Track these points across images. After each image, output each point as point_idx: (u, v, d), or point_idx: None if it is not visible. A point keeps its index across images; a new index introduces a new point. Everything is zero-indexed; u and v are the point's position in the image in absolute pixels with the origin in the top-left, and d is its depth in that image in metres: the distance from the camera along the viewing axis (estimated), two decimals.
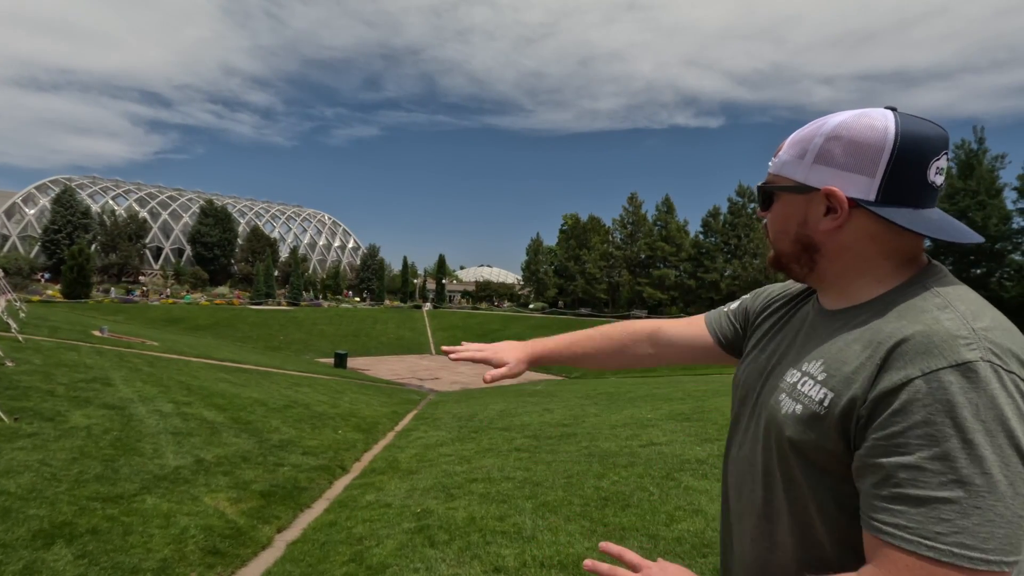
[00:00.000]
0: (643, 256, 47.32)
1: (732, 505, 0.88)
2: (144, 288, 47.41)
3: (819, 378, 0.73)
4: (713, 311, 1.13)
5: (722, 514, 0.93)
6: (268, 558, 3.85)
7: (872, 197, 0.73)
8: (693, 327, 1.12)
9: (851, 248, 0.77)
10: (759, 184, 0.87)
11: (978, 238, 0.75)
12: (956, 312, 0.67)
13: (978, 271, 30.86)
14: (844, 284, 0.79)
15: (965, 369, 0.61)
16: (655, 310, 44.58)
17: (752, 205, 42.82)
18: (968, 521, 0.58)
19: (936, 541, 0.58)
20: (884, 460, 0.62)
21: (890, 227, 0.73)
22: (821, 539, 0.72)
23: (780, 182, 0.82)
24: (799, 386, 0.75)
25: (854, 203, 0.74)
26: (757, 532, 0.80)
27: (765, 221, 0.88)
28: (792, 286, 0.99)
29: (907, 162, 0.72)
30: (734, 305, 1.08)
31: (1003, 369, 0.61)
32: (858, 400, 0.67)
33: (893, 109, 0.76)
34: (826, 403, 0.70)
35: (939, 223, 0.74)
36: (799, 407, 0.73)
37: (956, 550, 0.57)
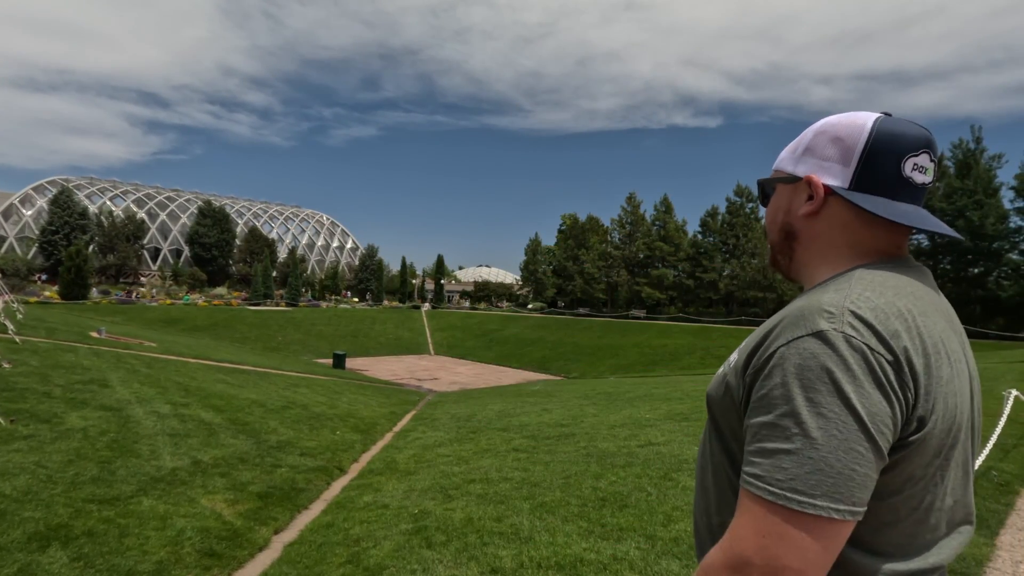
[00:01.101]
0: (641, 256, 47.25)
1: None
2: (131, 289, 46.98)
3: (741, 346, 0.81)
4: None
5: None
6: (265, 560, 3.83)
7: (846, 184, 0.79)
8: None
9: (822, 235, 0.83)
10: (768, 177, 0.93)
11: (953, 233, 0.78)
12: (846, 292, 0.72)
13: (976, 270, 30.86)
14: (810, 272, 0.85)
15: (819, 336, 0.67)
16: (654, 310, 44.55)
17: (751, 205, 42.78)
18: (802, 470, 0.64)
19: (775, 487, 0.65)
20: (753, 420, 0.70)
21: (861, 217, 0.79)
22: (724, 483, 0.81)
23: (776, 176, 0.90)
24: (729, 356, 0.85)
25: (830, 190, 0.80)
26: (698, 479, 0.91)
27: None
28: None
29: (880, 153, 0.77)
30: None
31: (855, 339, 0.67)
32: (745, 369, 0.74)
33: (887, 115, 0.80)
34: (731, 364, 0.80)
35: (911, 214, 0.77)
36: (721, 370, 0.84)
37: (789, 494, 0.64)
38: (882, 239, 0.79)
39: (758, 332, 0.77)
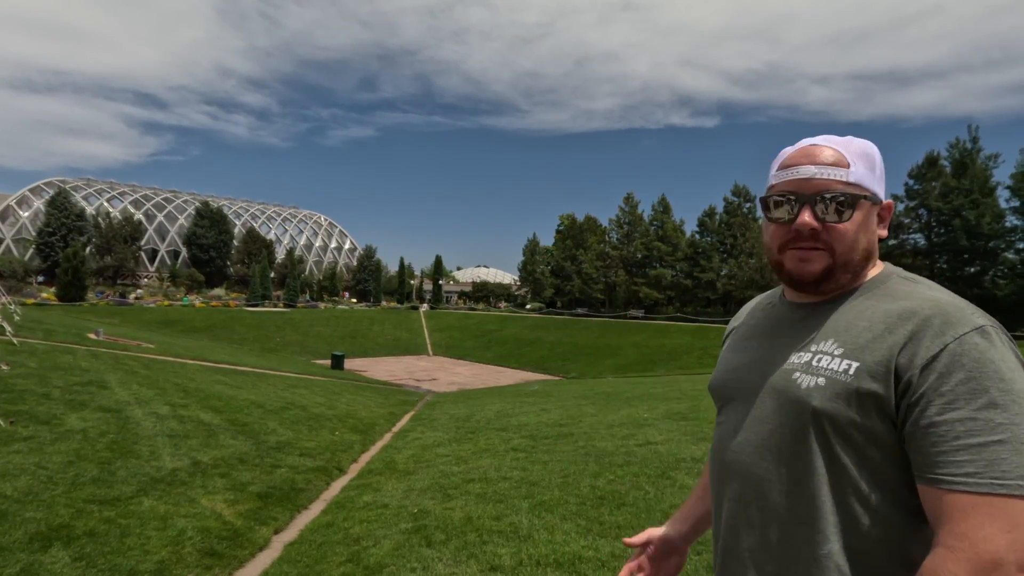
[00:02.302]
0: (639, 256, 47.36)
1: (739, 495, 0.86)
2: (124, 290, 46.62)
3: (836, 352, 0.79)
4: None
5: (721, 511, 0.91)
6: (265, 559, 3.85)
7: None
8: None
9: (877, 252, 0.89)
10: (849, 191, 0.83)
11: None
12: (943, 291, 0.79)
13: (972, 269, 31.00)
14: (850, 284, 0.87)
15: (982, 331, 0.72)
16: (652, 309, 44.62)
17: (748, 205, 42.78)
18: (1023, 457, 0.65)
19: (1004, 479, 0.65)
20: (940, 419, 0.69)
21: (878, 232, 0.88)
22: (851, 499, 0.75)
23: (862, 192, 0.84)
24: (814, 363, 0.80)
25: None
26: (782, 510, 0.79)
27: (800, 228, 0.84)
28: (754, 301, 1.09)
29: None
30: None
31: (998, 330, 0.73)
32: (895, 370, 0.73)
33: None
34: (851, 372, 0.76)
35: None
36: (820, 379, 0.78)
37: (1022, 482, 0.64)
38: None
39: (888, 332, 0.76)
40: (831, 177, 0.82)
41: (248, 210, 73.64)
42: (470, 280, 78.06)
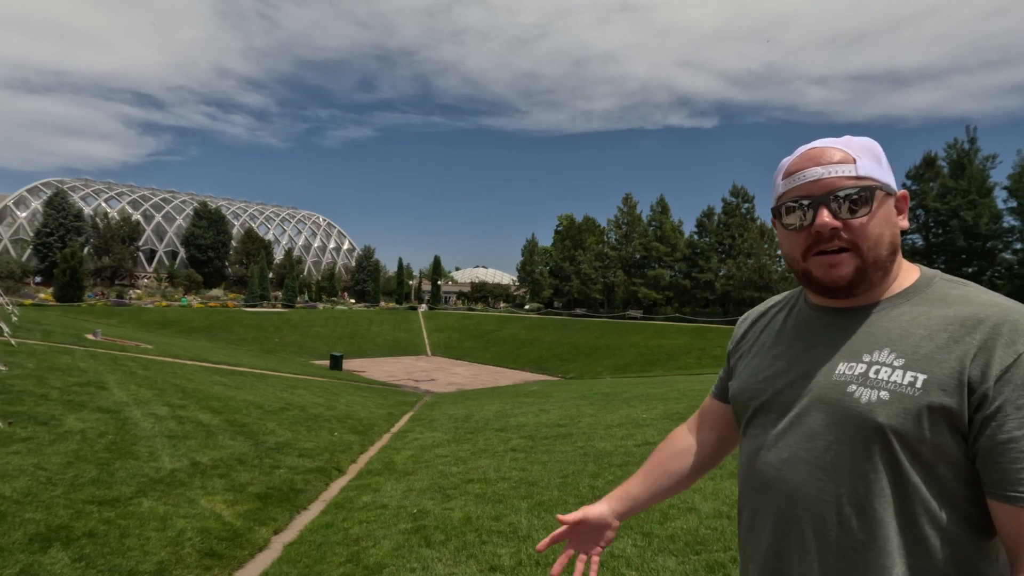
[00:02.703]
0: (638, 256, 47.38)
1: (786, 515, 0.81)
2: (121, 291, 46.35)
3: (896, 364, 0.74)
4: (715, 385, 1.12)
5: (761, 529, 0.85)
6: (265, 560, 3.86)
7: None
8: (707, 407, 1.12)
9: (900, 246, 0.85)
10: (861, 184, 0.80)
11: None
12: (997, 295, 0.75)
13: (970, 270, 31.05)
14: (885, 284, 0.83)
15: None
16: (650, 310, 44.67)
17: (746, 205, 42.87)
18: None
19: None
20: (1020, 433, 0.66)
21: None
22: (923, 521, 0.72)
23: (877, 184, 0.81)
24: (871, 374, 0.75)
25: None
26: (842, 533, 0.75)
27: (821, 229, 0.80)
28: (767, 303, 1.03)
29: None
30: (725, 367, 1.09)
31: None
32: (968, 382, 0.69)
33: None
34: (919, 384, 0.71)
35: None
36: (883, 393, 0.73)
37: None
38: None
39: (953, 341, 0.72)
40: (840, 174, 0.79)
41: (246, 210, 73.59)
42: (469, 280, 78.04)
